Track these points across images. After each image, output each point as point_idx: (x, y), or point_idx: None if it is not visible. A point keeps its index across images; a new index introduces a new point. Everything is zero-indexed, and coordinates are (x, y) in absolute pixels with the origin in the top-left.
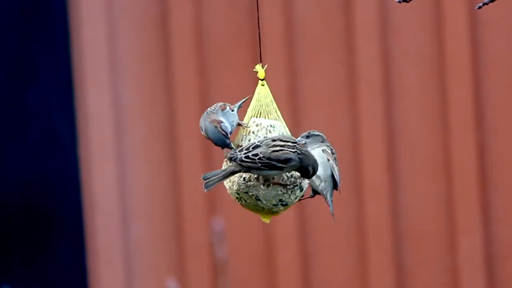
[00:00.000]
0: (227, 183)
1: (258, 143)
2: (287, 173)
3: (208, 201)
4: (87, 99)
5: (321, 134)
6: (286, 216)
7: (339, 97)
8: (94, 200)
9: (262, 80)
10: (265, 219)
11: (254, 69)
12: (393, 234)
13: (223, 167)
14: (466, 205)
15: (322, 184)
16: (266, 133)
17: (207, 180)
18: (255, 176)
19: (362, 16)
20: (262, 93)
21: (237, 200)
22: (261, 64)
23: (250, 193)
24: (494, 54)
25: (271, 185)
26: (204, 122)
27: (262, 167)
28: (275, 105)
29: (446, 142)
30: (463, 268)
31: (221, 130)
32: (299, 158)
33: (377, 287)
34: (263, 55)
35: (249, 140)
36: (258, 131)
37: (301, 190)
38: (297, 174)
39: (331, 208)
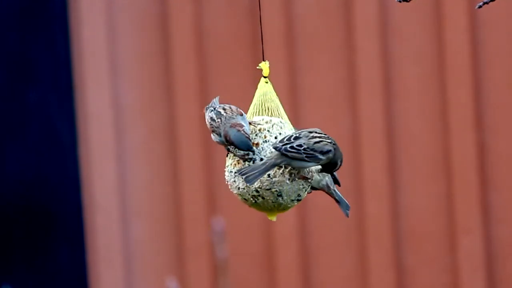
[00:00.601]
0: (236, 183)
1: (297, 135)
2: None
3: (208, 201)
4: (87, 99)
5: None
6: (286, 216)
7: (339, 96)
8: (94, 200)
9: (265, 77)
10: (272, 217)
11: (258, 67)
12: (393, 234)
13: (228, 165)
14: (466, 205)
15: (327, 179)
16: (279, 130)
17: (247, 175)
18: (281, 171)
19: (362, 15)
20: (265, 91)
21: (248, 200)
22: (266, 61)
23: (273, 190)
24: (494, 54)
25: (296, 179)
26: (224, 127)
27: (305, 158)
28: (278, 102)
29: (446, 142)
30: (463, 268)
31: (244, 133)
32: (334, 150)
33: (377, 287)
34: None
35: (265, 137)
36: (271, 127)
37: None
38: (315, 168)
39: (344, 203)
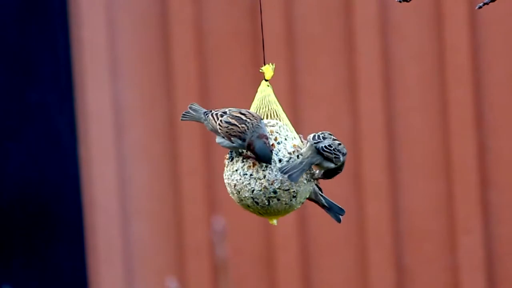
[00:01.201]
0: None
1: (323, 135)
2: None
3: (208, 200)
4: (87, 98)
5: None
6: (287, 216)
7: (339, 96)
8: (94, 200)
9: (267, 80)
10: (272, 221)
11: (261, 70)
12: (393, 234)
13: (238, 168)
14: (466, 204)
15: (314, 186)
16: (287, 132)
17: (291, 173)
18: None
19: (362, 15)
20: (266, 94)
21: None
22: (270, 64)
23: (291, 190)
24: (494, 54)
25: (311, 180)
26: (251, 135)
27: (334, 159)
28: (278, 104)
29: (446, 141)
30: (463, 268)
31: (269, 147)
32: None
33: (377, 286)
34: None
35: (276, 139)
36: (279, 129)
37: None
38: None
39: (335, 207)
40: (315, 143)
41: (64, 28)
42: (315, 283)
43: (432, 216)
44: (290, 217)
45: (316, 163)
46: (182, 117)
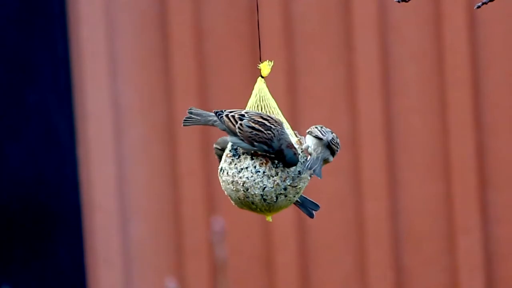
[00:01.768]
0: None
1: (324, 129)
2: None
3: (207, 200)
4: (86, 99)
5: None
6: (285, 215)
7: (338, 96)
8: (93, 200)
9: (263, 77)
10: (269, 217)
11: (258, 66)
12: (392, 234)
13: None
14: (465, 204)
15: None
16: (287, 127)
17: (314, 168)
18: None
19: (361, 15)
20: (262, 89)
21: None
22: (268, 61)
23: (298, 187)
24: (493, 54)
25: (310, 176)
26: (279, 143)
27: (336, 151)
28: (274, 101)
29: (445, 141)
30: (462, 268)
31: (297, 157)
32: None
33: (376, 286)
34: (262, 54)
35: None
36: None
37: None
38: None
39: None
40: (324, 138)
41: (63, 29)
42: (313, 283)
43: (431, 216)
44: (288, 217)
45: (325, 157)
46: (184, 122)
